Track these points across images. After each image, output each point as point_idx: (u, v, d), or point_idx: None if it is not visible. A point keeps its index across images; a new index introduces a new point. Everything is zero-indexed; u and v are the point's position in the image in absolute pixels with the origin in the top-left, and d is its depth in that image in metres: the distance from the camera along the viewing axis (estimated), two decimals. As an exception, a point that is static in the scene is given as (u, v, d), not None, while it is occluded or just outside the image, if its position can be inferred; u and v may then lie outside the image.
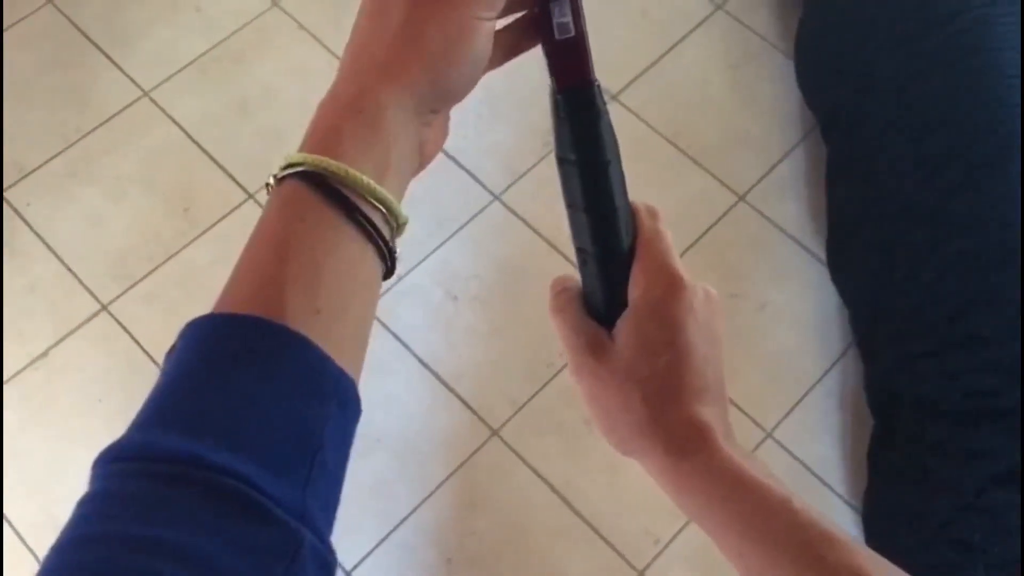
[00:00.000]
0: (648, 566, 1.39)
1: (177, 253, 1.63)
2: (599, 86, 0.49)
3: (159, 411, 0.38)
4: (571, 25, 0.47)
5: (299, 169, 0.42)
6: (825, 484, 1.44)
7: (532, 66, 0.53)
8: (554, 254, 1.60)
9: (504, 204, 1.66)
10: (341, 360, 0.40)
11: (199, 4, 1.86)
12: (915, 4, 1.50)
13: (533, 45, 0.49)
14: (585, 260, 0.52)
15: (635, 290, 0.50)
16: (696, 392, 0.48)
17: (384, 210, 0.43)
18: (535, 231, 1.62)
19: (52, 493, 1.44)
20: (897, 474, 1.33)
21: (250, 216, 1.65)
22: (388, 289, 1.56)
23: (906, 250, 1.37)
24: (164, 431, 0.37)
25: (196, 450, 0.36)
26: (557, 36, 0.47)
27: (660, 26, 1.83)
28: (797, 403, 1.50)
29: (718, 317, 0.50)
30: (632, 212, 0.52)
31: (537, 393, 1.50)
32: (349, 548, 1.41)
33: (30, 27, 1.84)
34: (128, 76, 1.79)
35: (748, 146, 1.71)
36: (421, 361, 1.53)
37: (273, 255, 0.41)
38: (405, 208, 0.45)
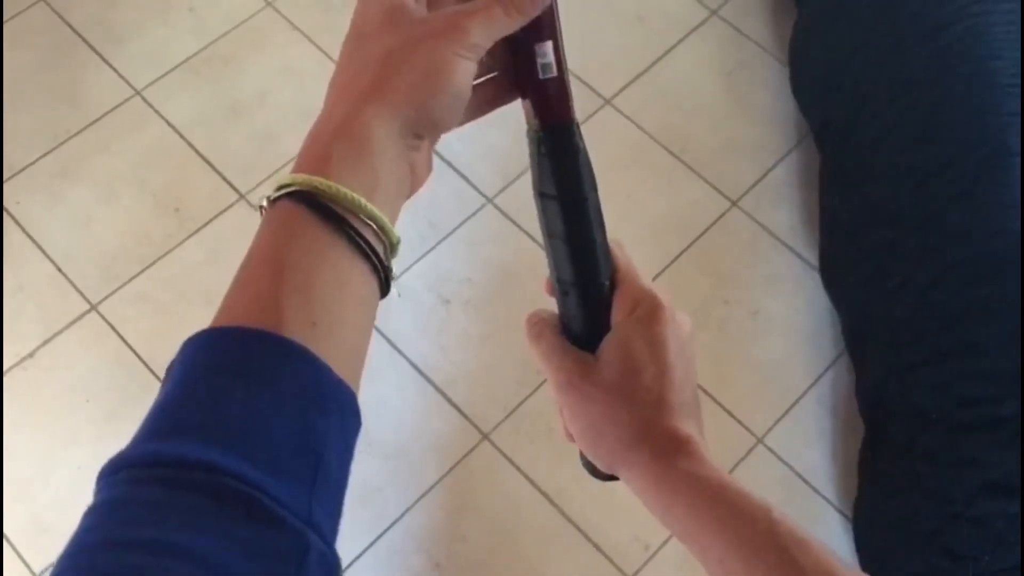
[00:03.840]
0: (638, 572, 1.39)
1: (167, 253, 1.62)
2: (578, 124, 0.51)
3: (163, 423, 0.39)
4: (554, 66, 0.49)
5: (290, 189, 0.43)
6: (815, 491, 1.44)
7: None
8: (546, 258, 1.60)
9: (497, 208, 1.66)
10: (339, 371, 0.41)
11: (192, 3, 1.85)
12: (909, 12, 1.50)
13: (510, 100, 0.51)
14: (566, 291, 0.55)
15: (619, 313, 0.54)
16: (679, 405, 0.52)
17: (375, 226, 0.44)
18: (528, 235, 1.62)
19: (40, 493, 1.42)
20: (888, 482, 1.33)
21: (241, 217, 1.64)
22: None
23: (899, 259, 1.37)
24: (171, 439, 0.38)
25: (204, 455, 0.37)
26: (541, 76, 0.49)
27: (655, 31, 1.83)
28: (788, 410, 1.50)
29: (691, 339, 0.55)
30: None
31: (528, 397, 1.49)
32: (337, 552, 1.40)
33: (21, 25, 1.83)
34: (120, 75, 1.78)
35: (742, 152, 1.71)
36: (412, 365, 1.53)
37: (268, 272, 0.42)
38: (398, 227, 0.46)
